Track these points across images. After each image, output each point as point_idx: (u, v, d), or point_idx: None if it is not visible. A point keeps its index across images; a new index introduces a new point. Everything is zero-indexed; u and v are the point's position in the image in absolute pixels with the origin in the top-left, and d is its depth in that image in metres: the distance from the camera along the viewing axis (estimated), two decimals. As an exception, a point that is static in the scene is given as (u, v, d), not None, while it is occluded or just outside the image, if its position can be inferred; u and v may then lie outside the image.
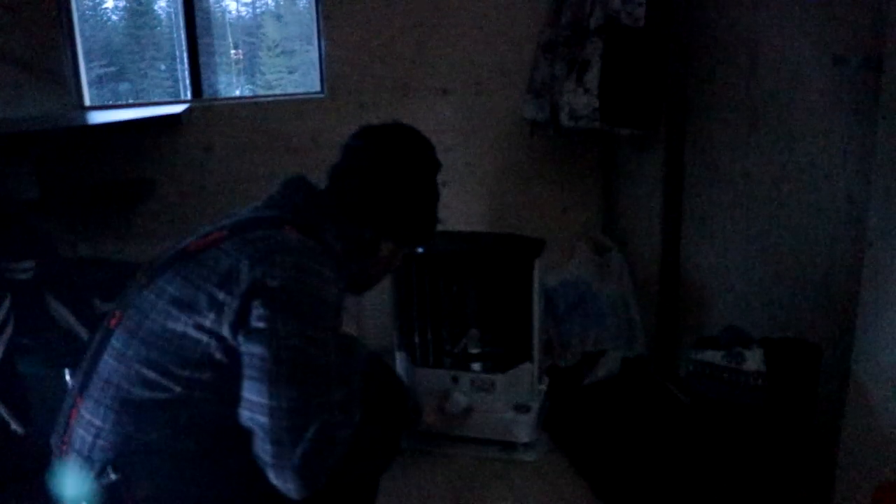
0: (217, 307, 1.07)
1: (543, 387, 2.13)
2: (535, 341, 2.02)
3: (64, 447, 1.15)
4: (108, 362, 1.13)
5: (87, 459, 1.11)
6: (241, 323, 1.07)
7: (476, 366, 2.04)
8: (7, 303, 1.73)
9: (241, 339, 1.07)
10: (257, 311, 1.06)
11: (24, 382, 1.82)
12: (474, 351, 2.04)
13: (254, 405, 1.05)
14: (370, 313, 2.60)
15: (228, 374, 1.08)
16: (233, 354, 1.08)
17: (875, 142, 1.37)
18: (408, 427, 1.78)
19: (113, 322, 1.16)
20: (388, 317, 2.15)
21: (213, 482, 1.11)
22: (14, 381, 1.79)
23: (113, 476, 1.09)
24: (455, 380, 2.03)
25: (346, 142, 1.35)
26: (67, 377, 1.83)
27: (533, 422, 2.00)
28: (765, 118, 1.91)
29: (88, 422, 1.12)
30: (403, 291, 2.09)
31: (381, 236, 1.33)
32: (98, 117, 2.36)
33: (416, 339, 2.09)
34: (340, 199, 1.28)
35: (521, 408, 2.01)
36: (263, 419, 1.04)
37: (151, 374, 1.09)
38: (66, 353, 1.81)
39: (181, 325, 1.09)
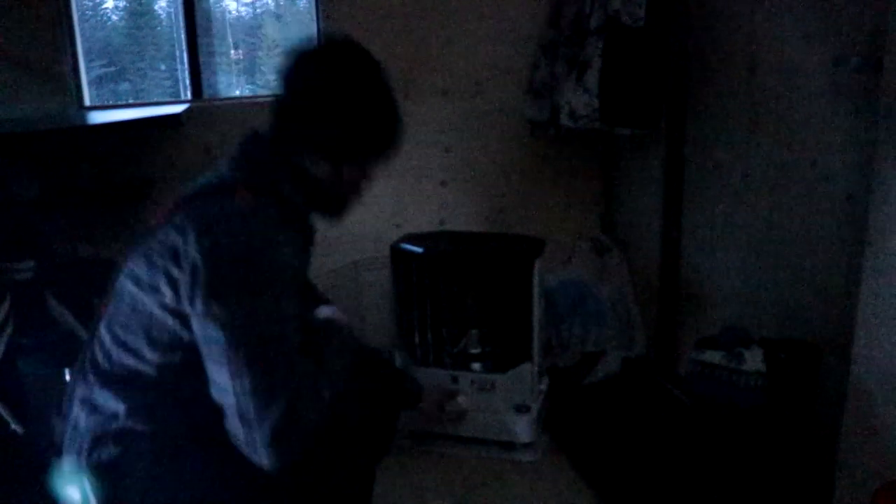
0: (173, 284, 1.07)
1: (543, 387, 2.13)
2: (535, 341, 2.02)
3: (66, 430, 1.16)
4: (95, 350, 1.15)
5: (85, 434, 1.12)
6: (193, 300, 1.05)
7: (476, 366, 2.04)
8: (7, 303, 1.73)
9: (195, 320, 1.06)
10: (208, 289, 1.04)
11: (24, 382, 1.83)
12: (474, 351, 2.04)
13: (218, 386, 1.05)
14: (370, 313, 2.60)
15: (199, 356, 1.08)
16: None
17: (875, 142, 1.37)
18: (408, 407, 1.77)
19: (102, 310, 1.18)
20: (389, 317, 2.15)
21: (206, 465, 1.11)
22: (14, 381, 1.80)
23: (114, 449, 1.09)
24: (455, 380, 2.03)
25: (281, 70, 1.24)
26: (67, 377, 1.84)
27: (533, 422, 2.00)
28: (765, 118, 1.91)
29: (86, 402, 1.13)
30: (403, 291, 2.09)
31: (340, 163, 1.25)
32: (98, 117, 2.36)
33: (417, 339, 2.08)
34: (290, 142, 1.22)
35: (521, 408, 2.01)
36: (229, 399, 1.03)
37: (129, 359, 1.11)
38: (66, 353, 1.81)
39: (148, 305, 1.09)
